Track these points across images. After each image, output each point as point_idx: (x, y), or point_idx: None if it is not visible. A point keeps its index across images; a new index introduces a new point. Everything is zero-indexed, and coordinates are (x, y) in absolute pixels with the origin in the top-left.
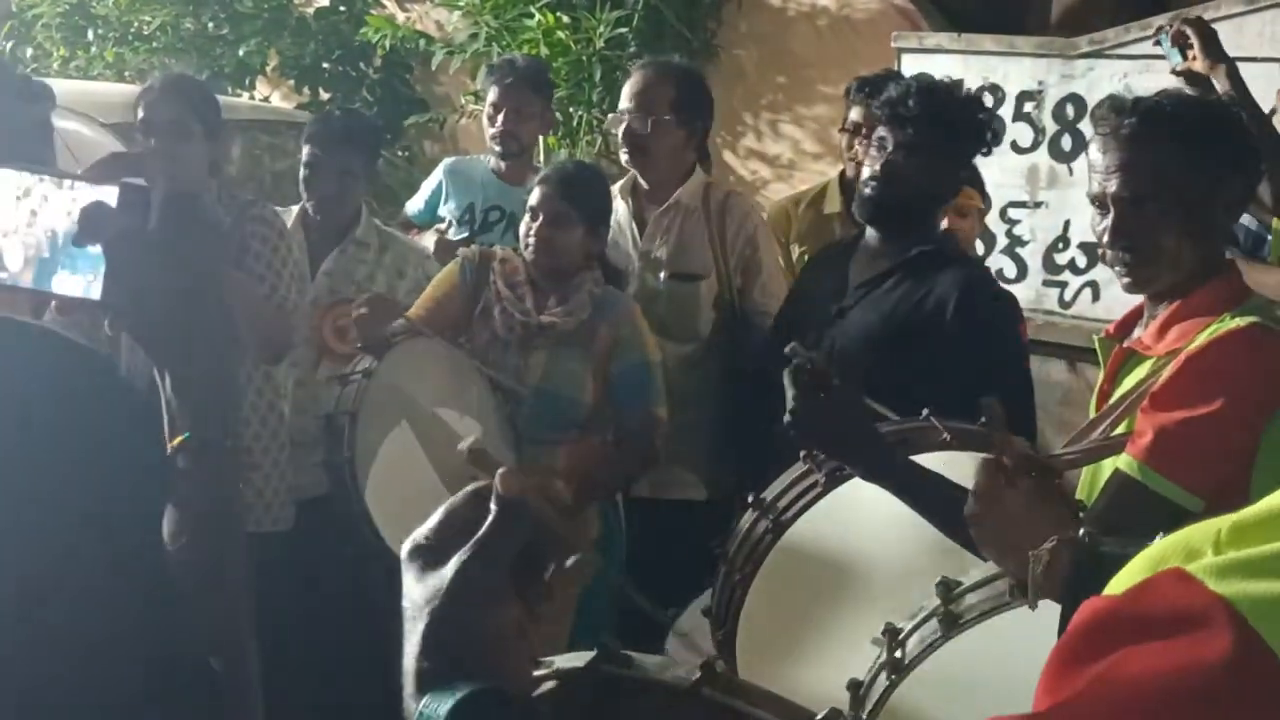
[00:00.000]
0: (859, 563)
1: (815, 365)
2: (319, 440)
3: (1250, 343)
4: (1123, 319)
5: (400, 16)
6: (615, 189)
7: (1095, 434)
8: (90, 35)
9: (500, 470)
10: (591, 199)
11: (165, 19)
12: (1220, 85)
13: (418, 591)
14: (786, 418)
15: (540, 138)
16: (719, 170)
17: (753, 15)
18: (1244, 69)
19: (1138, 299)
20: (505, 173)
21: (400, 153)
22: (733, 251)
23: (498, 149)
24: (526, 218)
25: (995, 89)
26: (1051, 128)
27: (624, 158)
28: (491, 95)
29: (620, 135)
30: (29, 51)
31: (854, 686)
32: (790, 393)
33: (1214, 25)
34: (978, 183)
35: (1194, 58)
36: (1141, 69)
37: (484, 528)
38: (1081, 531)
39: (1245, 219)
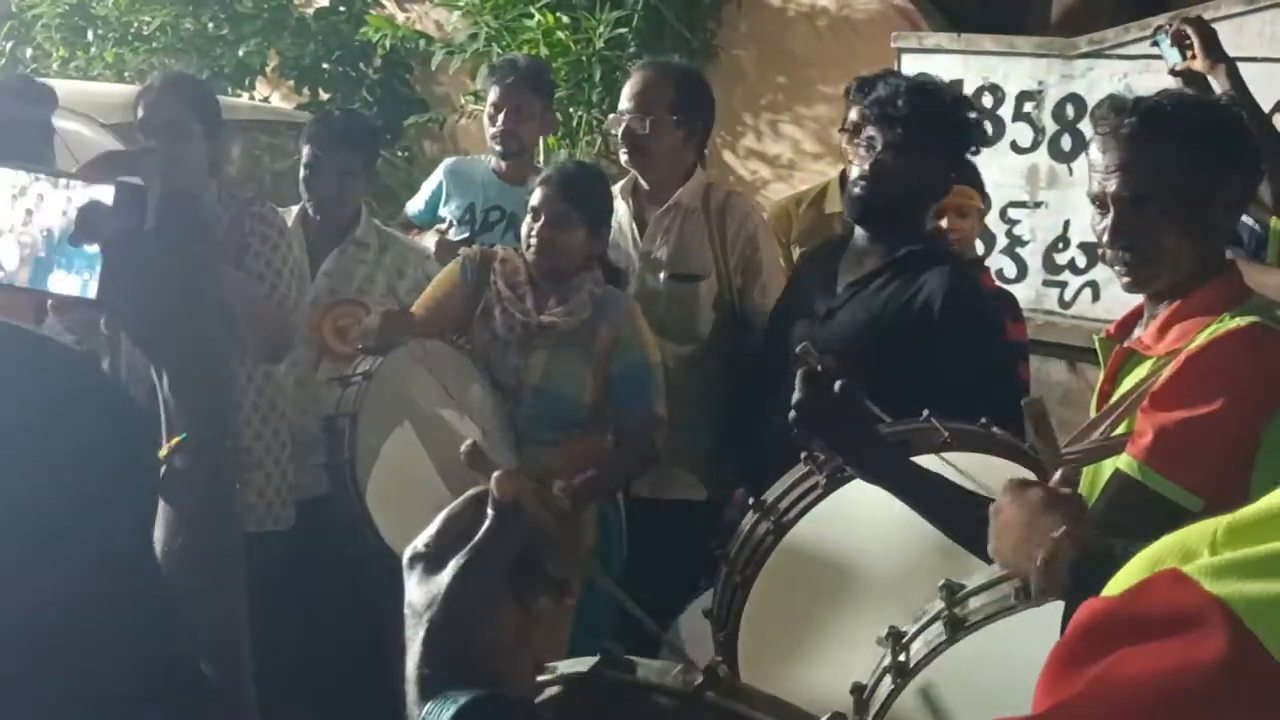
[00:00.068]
0: (860, 564)
1: (826, 366)
2: (319, 441)
3: (1250, 342)
4: (1123, 319)
5: (400, 16)
6: (616, 189)
7: (1095, 434)
8: (90, 35)
9: (496, 474)
10: (593, 199)
11: (165, 19)
12: (1220, 85)
13: (417, 598)
14: (792, 414)
15: (541, 138)
16: (719, 170)
17: (752, 15)
18: (1244, 69)
19: (1138, 299)
20: (506, 173)
21: (400, 153)
22: (733, 252)
23: (498, 149)
24: (528, 218)
25: (995, 89)
26: (1051, 128)
27: (623, 158)
28: (492, 95)
29: (620, 136)
30: (29, 52)
31: (857, 690)
32: (797, 391)
33: (1214, 25)
34: (978, 183)
35: (1194, 57)
36: (1141, 69)
37: (480, 533)
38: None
39: (1248, 219)
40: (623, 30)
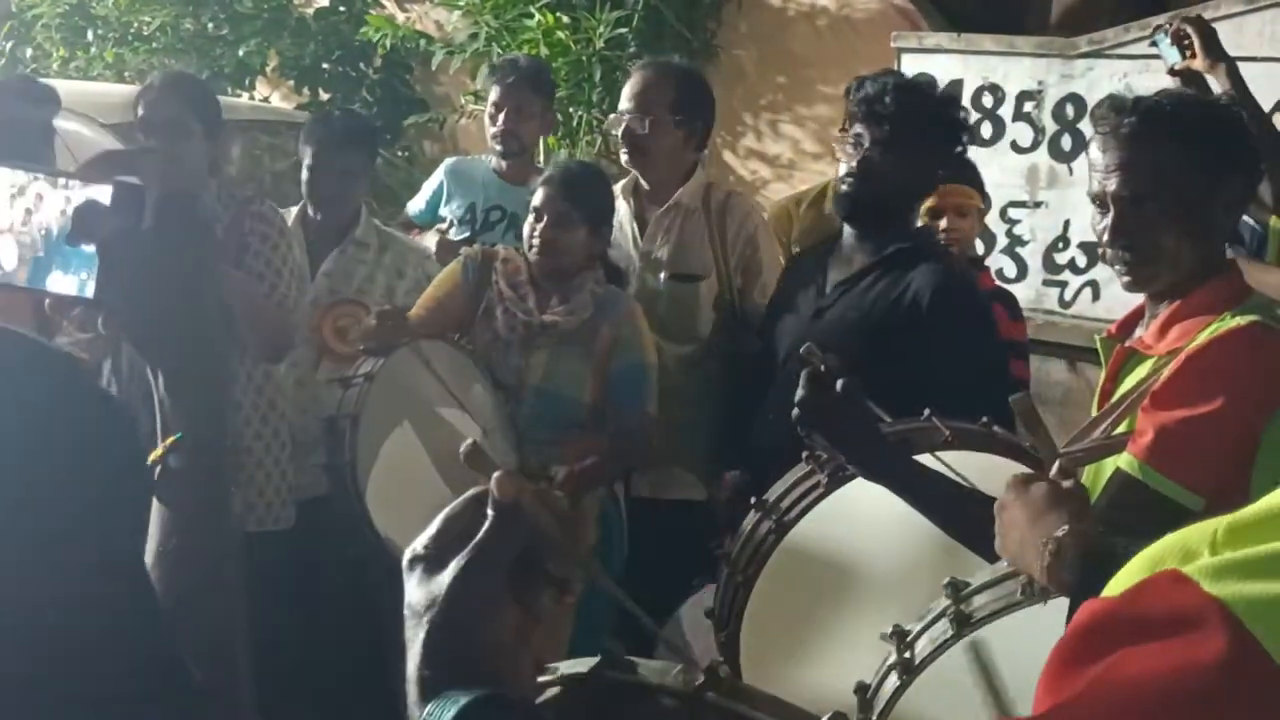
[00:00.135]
0: (862, 563)
1: (828, 364)
2: (320, 441)
3: (1251, 342)
4: (1124, 319)
5: (400, 16)
6: (617, 189)
7: (1096, 433)
8: (90, 36)
9: (496, 474)
10: (594, 199)
11: (165, 19)
12: (1220, 84)
13: (418, 599)
14: (794, 412)
15: (541, 138)
16: (719, 170)
17: (752, 15)
18: (1244, 68)
19: (1138, 298)
20: (506, 172)
21: (400, 153)
22: (733, 252)
23: (499, 148)
24: (530, 218)
25: (995, 89)
26: (1051, 127)
27: (623, 158)
28: (493, 95)
29: (620, 135)
30: (29, 52)
31: (861, 690)
32: (800, 390)
33: (1214, 25)
34: (977, 182)
35: (1194, 56)
36: (1141, 69)
37: (480, 534)
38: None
39: (1248, 218)
40: (623, 30)
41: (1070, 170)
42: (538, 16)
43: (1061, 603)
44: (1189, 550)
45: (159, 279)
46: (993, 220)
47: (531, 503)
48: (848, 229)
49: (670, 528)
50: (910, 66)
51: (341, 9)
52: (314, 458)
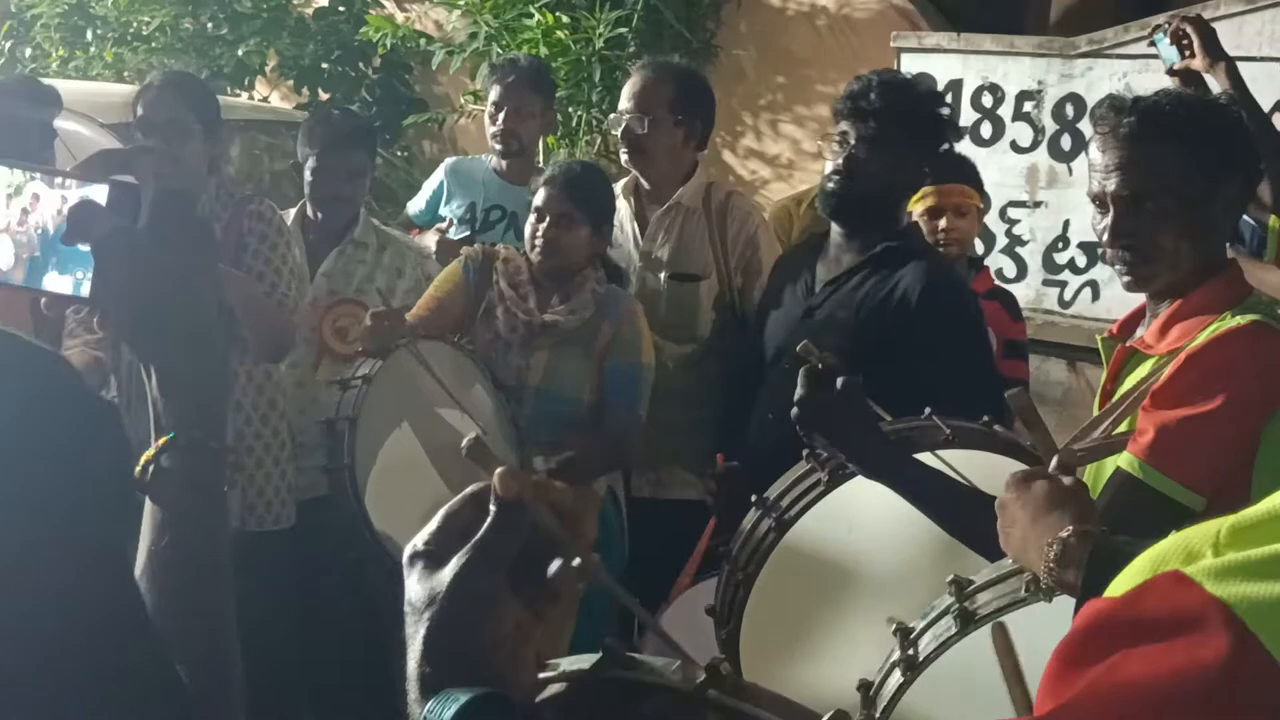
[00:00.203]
0: (862, 561)
1: (825, 362)
2: (319, 442)
3: (1251, 341)
4: (1125, 319)
5: (399, 16)
6: (617, 188)
7: (1097, 433)
8: (89, 35)
9: (499, 471)
10: (596, 199)
11: (164, 19)
12: (1220, 84)
13: (418, 596)
14: (794, 411)
15: (541, 137)
16: (719, 170)
17: (752, 15)
18: (1244, 68)
19: (1137, 298)
20: (506, 172)
21: (400, 153)
22: (733, 252)
23: (498, 148)
24: (532, 218)
25: (995, 88)
26: (1051, 127)
27: (623, 158)
28: (493, 94)
29: (619, 135)
30: (28, 52)
31: (864, 686)
32: (799, 388)
33: (1214, 24)
34: (977, 182)
35: (1193, 56)
36: (1141, 68)
37: (482, 530)
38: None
39: (1248, 217)
40: (622, 30)
41: (1070, 170)
42: (537, 16)
43: (1064, 600)
44: (1191, 551)
45: (154, 278)
46: (992, 220)
47: (534, 499)
48: (835, 227)
49: (670, 528)
50: (910, 66)
51: (341, 9)
52: (314, 459)
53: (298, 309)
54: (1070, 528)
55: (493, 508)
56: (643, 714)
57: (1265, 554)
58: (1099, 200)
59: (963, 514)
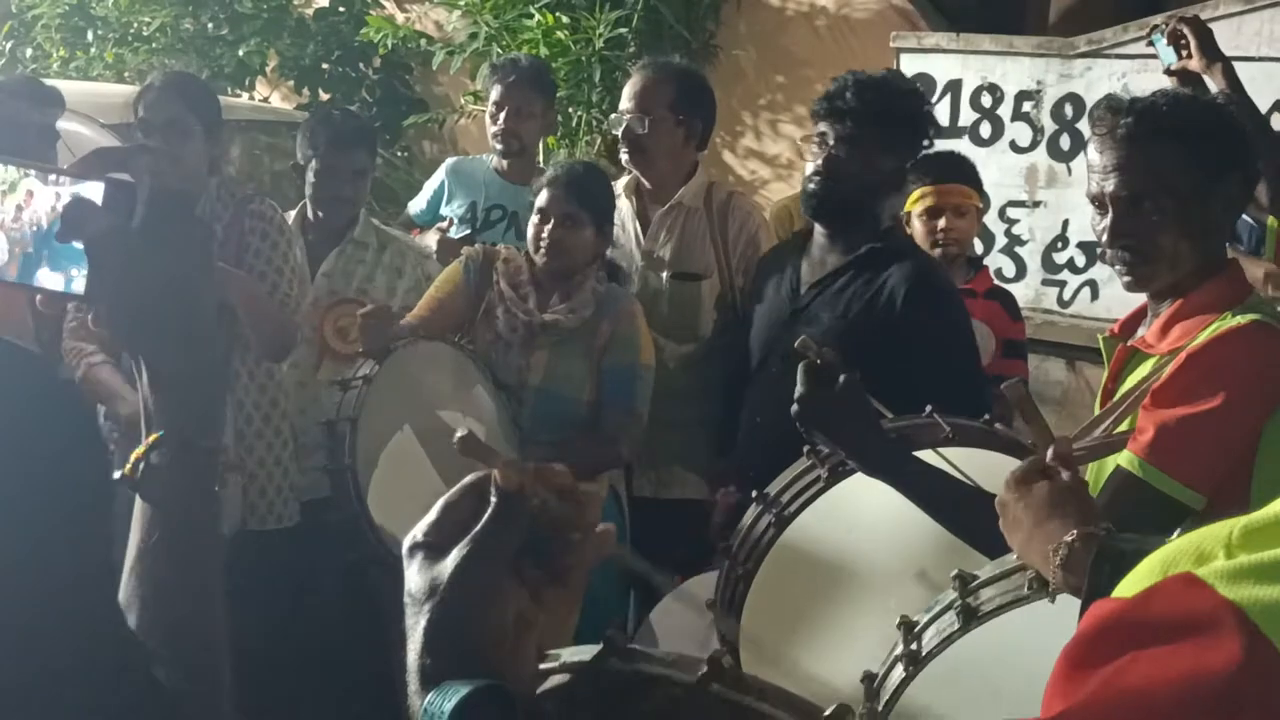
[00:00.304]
0: (860, 557)
1: (824, 358)
2: (321, 443)
3: (1252, 340)
4: (1127, 318)
5: (400, 17)
6: (619, 187)
7: (1098, 431)
8: (90, 36)
9: (500, 462)
10: (600, 199)
11: (165, 19)
12: (1216, 84)
13: (418, 587)
14: (794, 408)
15: (542, 138)
16: (719, 170)
17: (752, 15)
18: (1242, 68)
19: (1136, 298)
20: (507, 172)
21: (400, 153)
22: (735, 252)
23: (499, 148)
24: (535, 219)
25: (994, 88)
26: (1050, 127)
27: (624, 158)
28: (494, 94)
29: (620, 135)
30: (29, 52)
31: (868, 679)
32: (799, 385)
33: (1212, 25)
34: (976, 182)
35: (1190, 57)
36: (1139, 68)
37: (483, 521)
38: (1102, 526)
39: (1246, 216)
40: (622, 30)
41: (1069, 170)
42: (537, 16)
43: (1067, 596)
44: (1203, 552)
45: (148, 277)
46: (991, 220)
47: (536, 485)
48: (818, 228)
49: (672, 527)
50: (909, 66)
51: (341, 9)
52: (316, 459)
53: (299, 308)
54: (1075, 532)
55: (493, 498)
56: (645, 707)
57: (1278, 556)
58: (1098, 201)
59: (962, 512)
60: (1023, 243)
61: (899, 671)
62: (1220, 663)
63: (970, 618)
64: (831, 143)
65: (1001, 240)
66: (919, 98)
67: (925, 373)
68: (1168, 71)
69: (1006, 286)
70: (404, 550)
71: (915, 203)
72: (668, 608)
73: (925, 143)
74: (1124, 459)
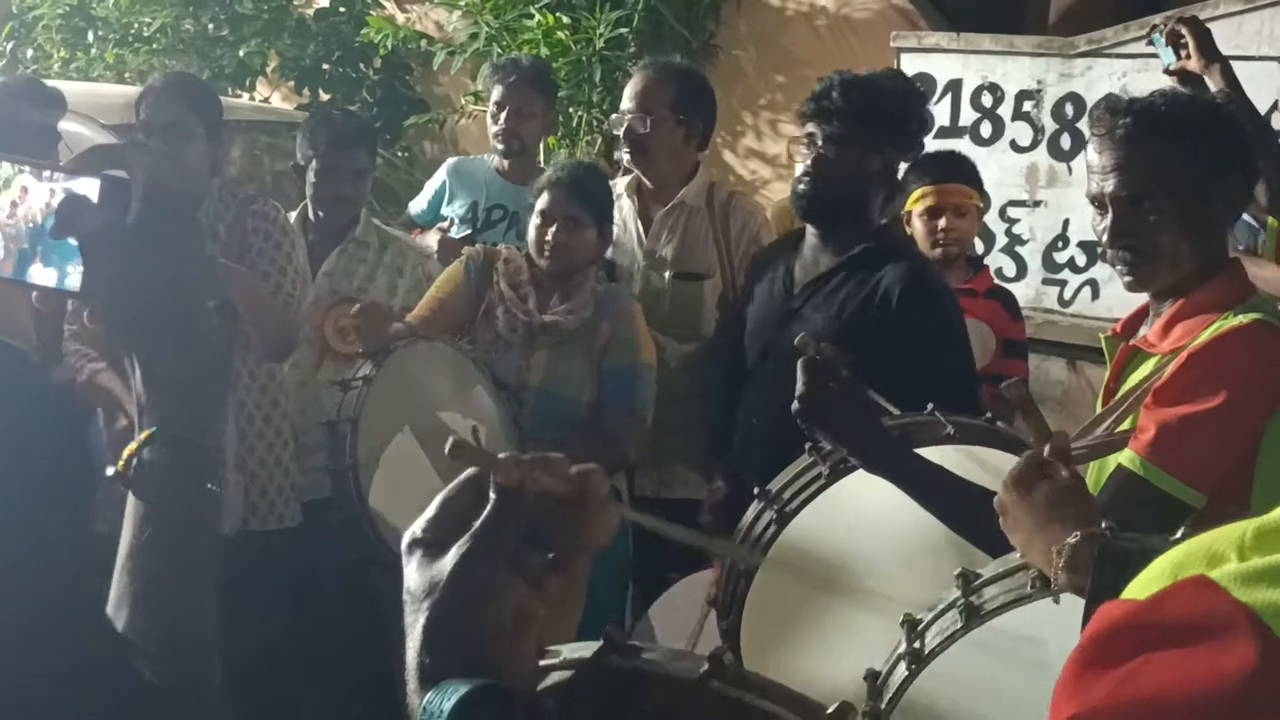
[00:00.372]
0: (862, 554)
1: (825, 355)
2: (322, 443)
3: (1253, 340)
4: (1129, 317)
5: (400, 17)
6: (621, 187)
7: (1100, 430)
8: (90, 37)
9: (501, 457)
10: (601, 198)
11: (165, 20)
12: (1215, 84)
13: (417, 584)
14: (795, 405)
15: (543, 137)
16: (719, 170)
17: (752, 15)
18: (1243, 68)
19: (1137, 297)
20: (508, 171)
21: (400, 153)
22: (737, 251)
23: (500, 147)
24: (537, 221)
25: (994, 88)
26: (1050, 126)
27: (625, 158)
28: (495, 94)
29: (621, 135)
30: (29, 53)
31: (871, 677)
32: (800, 382)
33: (1212, 24)
34: (976, 181)
35: (1188, 57)
36: (1140, 68)
37: (482, 517)
38: (1104, 525)
39: (1245, 215)
40: (623, 30)
41: (1069, 169)
42: (538, 17)
43: (1070, 597)
44: (1215, 555)
45: (142, 273)
46: (992, 219)
47: (538, 478)
48: (810, 229)
49: None
50: (910, 66)
51: (342, 10)
52: (316, 459)
53: (302, 309)
54: (1078, 534)
55: (493, 495)
56: (646, 704)
57: None
58: (1098, 202)
59: (964, 509)
60: (1023, 242)
61: (902, 670)
62: (1234, 666)
63: (973, 616)
64: (819, 143)
65: (1002, 240)
66: (908, 96)
67: (920, 373)
68: (1168, 71)
69: (1007, 286)
70: (403, 547)
71: (916, 202)
72: (668, 603)
73: (919, 141)
74: (1125, 457)
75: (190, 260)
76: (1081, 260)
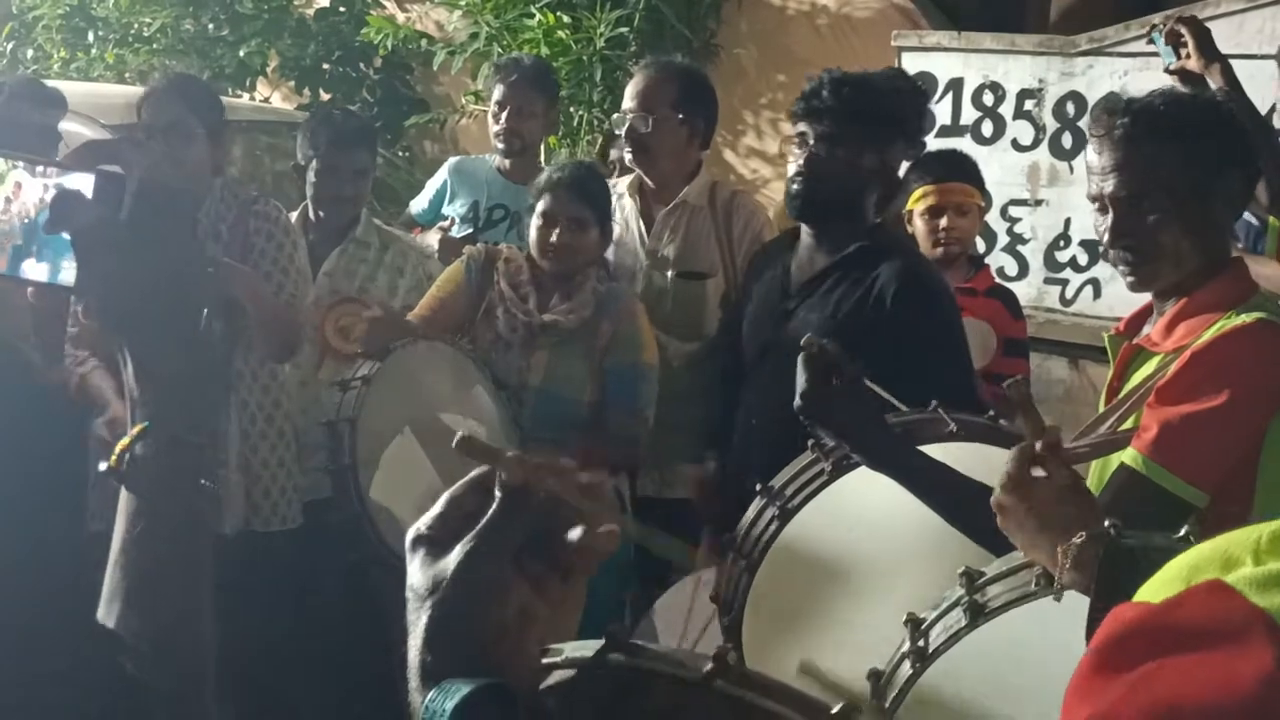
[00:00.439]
0: (864, 550)
1: (828, 352)
2: (322, 443)
3: (1256, 338)
4: (1132, 316)
5: (400, 17)
6: (623, 186)
7: (1102, 429)
8: (91, 37)
9: (507, 455)
10: (602, 198)
11: (165, 20)
12: (1215, 83)
13: (420, 582)
14: (797, 402)
15: (544, 137)
16: (720, 169)
17: (753, 14)
18: (1243, 66)
19: (1139, 296)
20: (510, 171)
21: (401, 153)
22: (739, 250)
23: (501, 147)
24: (539, 222)
25: (995, 87)
26: (1052, 125)
27: (627, 157)
28: (496, 93)
29: (623, 134)
30: (29, 53)
31: (875, 675)
32: (802, 379)
33: (1213, 22)
34: (978, 180)
35: (1188, 57)
36: (1141, 66)
37: (487, 516)
38: (1107, 523)
39: (1246, 214)
40: (624, 30)
41: (1071, 168)
42: (538, 16)
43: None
44: (1230, 559)
45: (136, 269)
46: (993, 218)
47: (541, 478)
48: (805, 229)
49: (675, 526)
50: (911, 65)
51: (342, 9)
52: (317, 459)
53: (304, 309)
54: (1082, 534)
55: (498, 494)
56: (649, 703)
57: None
58: (1098, 202)
59: (966, 507)
60: (1025, 241)
61: (906, 668)
62: (1250, 672)
63: (977, 614)
64: (811, 142)
65: (1003, 239)
66: (901, 94)
67: (916, 371)
68: (1168, 71)
69: (1009, 285)
70: (406, 544)
71: (917, 201)
72: (669, 603)
73: (916, 138)
74: (1128, 456)
75: (184, 256)
76: (1083, 259)
